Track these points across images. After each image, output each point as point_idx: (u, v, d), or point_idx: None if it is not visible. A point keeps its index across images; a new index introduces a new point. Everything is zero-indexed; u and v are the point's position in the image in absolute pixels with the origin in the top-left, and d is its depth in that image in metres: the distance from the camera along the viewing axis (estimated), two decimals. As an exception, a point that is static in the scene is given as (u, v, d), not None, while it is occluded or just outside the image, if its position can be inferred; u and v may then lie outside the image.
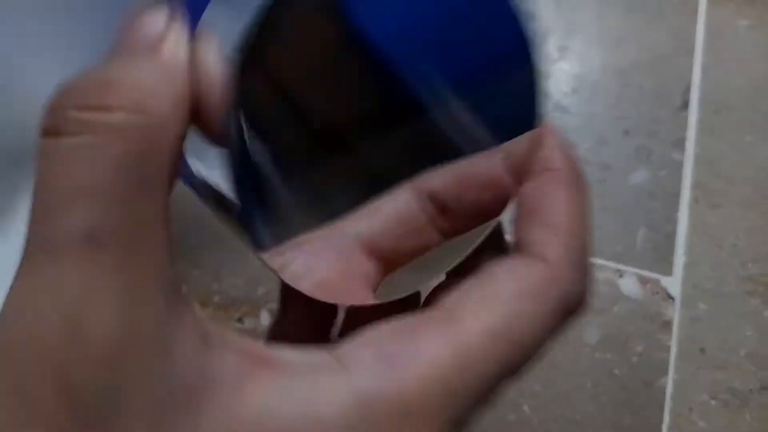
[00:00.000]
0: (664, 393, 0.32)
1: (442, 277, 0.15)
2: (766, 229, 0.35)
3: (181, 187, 0.13)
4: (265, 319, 0.33)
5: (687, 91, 0.38)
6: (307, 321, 0.17)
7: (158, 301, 0.10)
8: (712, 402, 0.32)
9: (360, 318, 0.15)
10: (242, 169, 0.15)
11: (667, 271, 0.34)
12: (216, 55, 0.13)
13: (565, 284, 0.14)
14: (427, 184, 0.16)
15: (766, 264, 0.34)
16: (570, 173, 0.16)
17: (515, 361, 0.13)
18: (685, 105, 0.38)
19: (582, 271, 0.15)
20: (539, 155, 0.16)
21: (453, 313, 0.13)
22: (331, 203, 0.16)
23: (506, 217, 0.15)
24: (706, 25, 0.40)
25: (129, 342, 0.10)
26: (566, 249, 0.15)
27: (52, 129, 0.11)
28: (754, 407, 0.31)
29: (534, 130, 0.16)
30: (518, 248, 0.15)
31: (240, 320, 0.33)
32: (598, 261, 0.34)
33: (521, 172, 0.16)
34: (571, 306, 0.14)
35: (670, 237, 0.35)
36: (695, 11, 0.40)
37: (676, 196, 0.35)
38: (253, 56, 0.14)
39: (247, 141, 0.15)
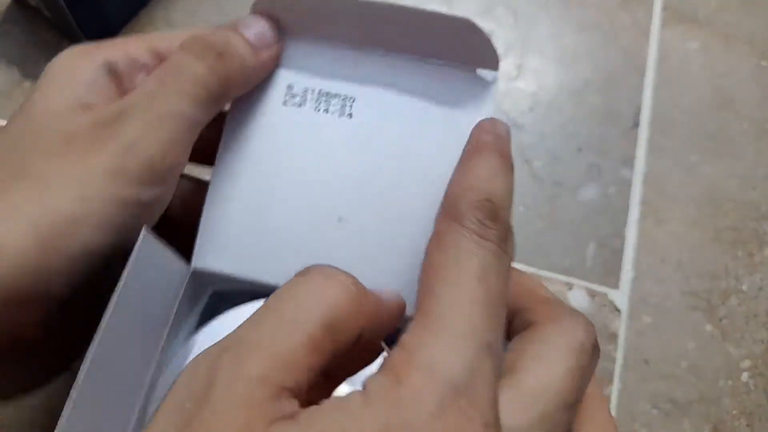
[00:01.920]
0: (609, 402, 0.33)
1: None
2: (708, 246, 0.36)
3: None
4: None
5: (638, 110, 0.39)
6: None
7: None
8: (654, 411, 0.33)
9: None
10: None
11: (615, 284, 0.35)
12: None
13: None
14: None
15: (707, 279, 0.36)
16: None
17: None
18: (636, 124, 0.39)
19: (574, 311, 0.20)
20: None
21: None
22: None
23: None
24: (658, 46, 0.41)
25: None
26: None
27: None
28: (693, 417, 0.33)
29: None
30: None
31: None
32: (549, 274, 0.35)
33: None
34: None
35: (618, 252, 0.36)
36: (647, 32, 0.42)
37: (624, 212, 0.37)
38: None
39: None
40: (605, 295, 0.35)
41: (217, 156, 0.23)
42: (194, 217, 0.23)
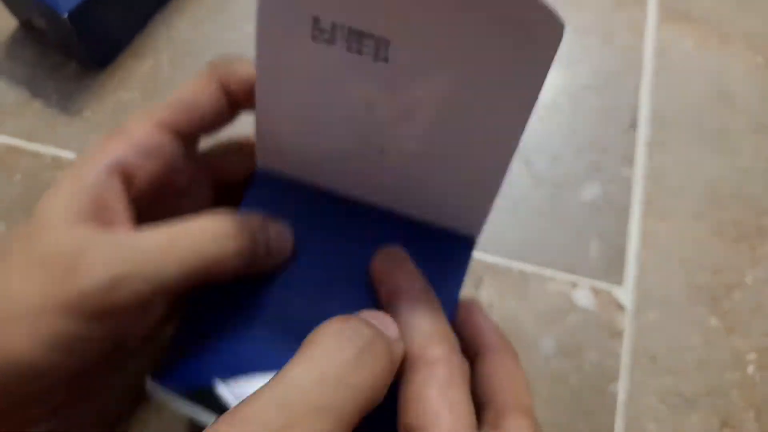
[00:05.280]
0: (615, 398, 0.33)
1: None
2: (710, 240, 0.37)
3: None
4: None
5: (636, 109, 0.40)
6: None
7: None
8: (662, 406, 0.33)
9: None
10: None
11: (619, 281, 0.36)
12: None
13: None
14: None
15: (711, 274, 0.36)
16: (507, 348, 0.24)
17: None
18: (634, 122, 0.39)
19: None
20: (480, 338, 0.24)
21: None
22: None
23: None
24: (654, 45, 0.42)
25: None
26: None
27: None
28: (701, 411, 0.33)
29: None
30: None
31: None
32: (553, 273, 0.35)
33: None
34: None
35: (621, 250, 0.36)
36: (642, 32, 0.42)
37: (626, 210, 0.37)
38: None
39: None
40: (609, 292, 0.35)
41: (256, 96, 0.23)
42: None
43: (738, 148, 0.39)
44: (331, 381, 0.15)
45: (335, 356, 0.16)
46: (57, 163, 0.37)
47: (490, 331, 0.24)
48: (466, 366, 0.20)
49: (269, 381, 0.15)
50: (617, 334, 0.34)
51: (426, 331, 0.20)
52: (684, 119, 0.40)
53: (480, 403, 0.21)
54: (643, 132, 0.39)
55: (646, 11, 0.43)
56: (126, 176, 0.21)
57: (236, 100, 0.24)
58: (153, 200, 0.23)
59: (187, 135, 0.24)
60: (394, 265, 0.23)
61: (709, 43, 0.42)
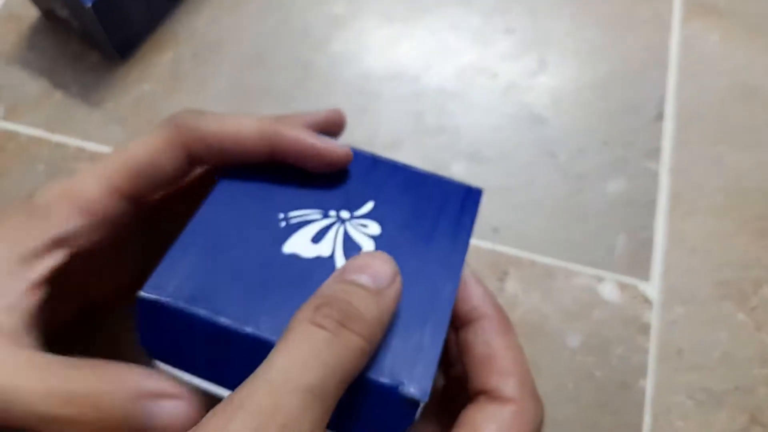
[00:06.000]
0: (643, 394, 0.33)
1: None
2: (736, 235, 0.36)
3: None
4: None
5: (661, 102, 0.39)
6: None
7: None
8: (690, 402, 0.33)
9: None
10: None
11: (645, 276, 0.35)
12: None
13: (531, 412, 0.20)
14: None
15: (738, 269, 0.35)
16: (501, 318, 0.22)
17: None
18: (660, 116, 0.39)
19: (537, 396, 0.21)
20: (471, 305, 0.23)
21: None
22: None
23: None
24: (679, 39, 0.41)
25: None
26: (521, 385, 0.20)
27: None
28: (729, 407, 0.33)
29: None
30: (486, 395, 0.20)
31: None
32: (578, 267, 0.35)
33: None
34: (539, 425, 0.20)
35: (647, 244, 0.36)
36: (668, 25, 0.42)
37: (651, 204, 0.37)
38: None
39: None
40: (636, 287, 0.35)
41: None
42: None
43: (764, 143, 0.38)
44: (309, 362, 0.17)
45: (311, 338, 0.17)
46: (81, 154, 0.37)
47: (483, 296, 0.23)
48: (540, 411, 0.21)
49: (261, 366, 0.17)
50: (644, 330, 0.34)
51: (507, 364, 0.21)
52: (709, 113, 0.39)
53: (473, 374, 0.21)
54: (669, 126, 0.39)
55: (672, 4, 0.42)
56: (67, 244, 0.21)
57: (197, 159, 0.23)
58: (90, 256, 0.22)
59: (140, 198, 0.23)
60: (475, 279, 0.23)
61: (735, 37, 0.41)
